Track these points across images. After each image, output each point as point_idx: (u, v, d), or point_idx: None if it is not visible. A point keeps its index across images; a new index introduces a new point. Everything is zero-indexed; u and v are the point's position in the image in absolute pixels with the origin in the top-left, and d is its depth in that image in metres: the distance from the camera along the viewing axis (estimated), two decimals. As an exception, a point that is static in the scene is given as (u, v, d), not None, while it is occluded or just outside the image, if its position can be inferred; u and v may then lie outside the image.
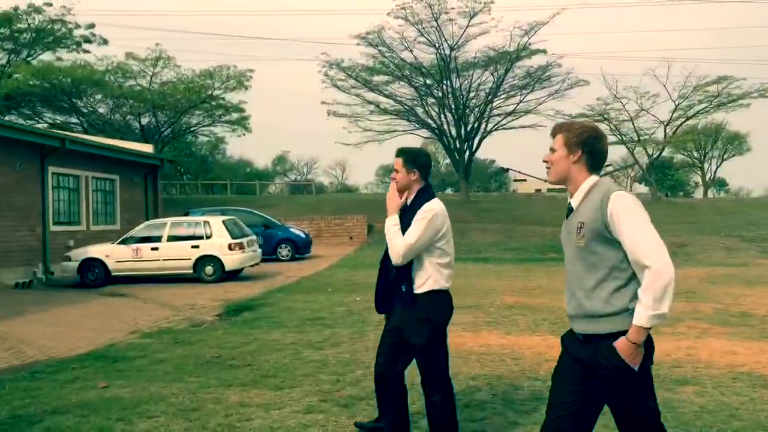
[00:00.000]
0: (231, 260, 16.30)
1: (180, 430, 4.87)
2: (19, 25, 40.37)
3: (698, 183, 69.15)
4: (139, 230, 17.10)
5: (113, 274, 16.31)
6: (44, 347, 8.22)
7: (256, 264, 17.59)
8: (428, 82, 37.76)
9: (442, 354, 4.17)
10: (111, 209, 22.78)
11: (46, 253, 18.05)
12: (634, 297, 2.84)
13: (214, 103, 40.64)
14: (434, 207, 4.11)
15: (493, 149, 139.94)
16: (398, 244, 4.07)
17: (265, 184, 65.72)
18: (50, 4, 39.61)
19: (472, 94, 38.30)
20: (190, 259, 16.26)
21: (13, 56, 42.43)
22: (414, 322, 4.09)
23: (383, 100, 39.68)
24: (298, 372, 6.57)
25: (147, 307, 12.03)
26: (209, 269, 16.25)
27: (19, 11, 39.93)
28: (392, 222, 4.17)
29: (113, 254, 16.41)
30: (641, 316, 2.77)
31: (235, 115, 42.39)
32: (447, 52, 36.43)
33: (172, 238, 16.52)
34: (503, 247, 25.93)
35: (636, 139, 41.44)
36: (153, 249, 16.38)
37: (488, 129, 39.43)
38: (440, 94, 38.13)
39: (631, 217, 2.84)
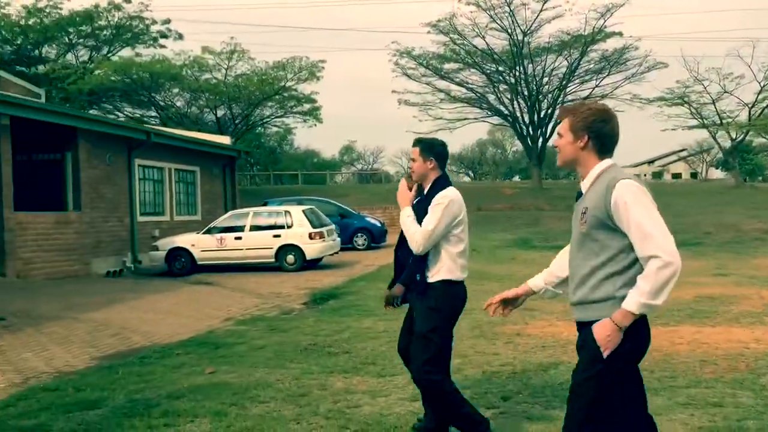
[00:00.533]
0: (312, 249, 16.53)
1: (292, 415, 4.96)
2: (99, 23, 41.82)
3: None
4: (222, 220, 17.53)
5: (198, 263, 16.77)
6: (147, 333, 8.52)
7: (336, 253, 17.79)
8: (500, 68, 37.30)
9: (442, 344, 4.11)
10: (192, 200, 23.40)
11: (134, 243, 18.71)
12: (624, 286, 2.74)
13: (286, 94, 41.19)
14: (449, 194, 4.11)
15: None
16: (416, 231, 4.06)
17: (333, 173, 66.34)
18: (129, 1, 40.85)
19: (545, 80, 37.68)
20: (271, 248, 16.57)
21: (93, 53, 44.05)
22: (424, 310, 4.10)
23: (454, 88, 39.52)
24: (396, 360, 6.59)
25: (235, 296, 12.33)
26: (290, 258, 16.53)
27: (100, 9, 41.37)
28: (406, 213, 4.15)
29: (199, 244, 16.87)
30: (632, 301, 2.67)
31: (306, 106, 42.92)
32: (520, 37, 35.92)
33: (255, 228, 16.87)
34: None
35: (718, 122, 40.00)
36: (236, 238, 16.77)
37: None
38: (512, 81, 37.64)
39: (637, 206, 2.71)
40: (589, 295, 2.84)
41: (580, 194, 2.98)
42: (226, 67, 39.65)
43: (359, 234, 23.15)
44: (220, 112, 42.15)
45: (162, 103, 41.23)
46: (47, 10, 41.17)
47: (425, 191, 4.24)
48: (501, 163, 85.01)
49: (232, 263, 16.74)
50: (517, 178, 70.71)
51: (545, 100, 38.50)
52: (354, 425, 4.67)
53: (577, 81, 38.19)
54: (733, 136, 41.02)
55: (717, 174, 71.68)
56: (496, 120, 40.62)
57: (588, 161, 2.91)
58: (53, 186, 16.65)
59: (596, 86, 38.11)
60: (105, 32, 42.67)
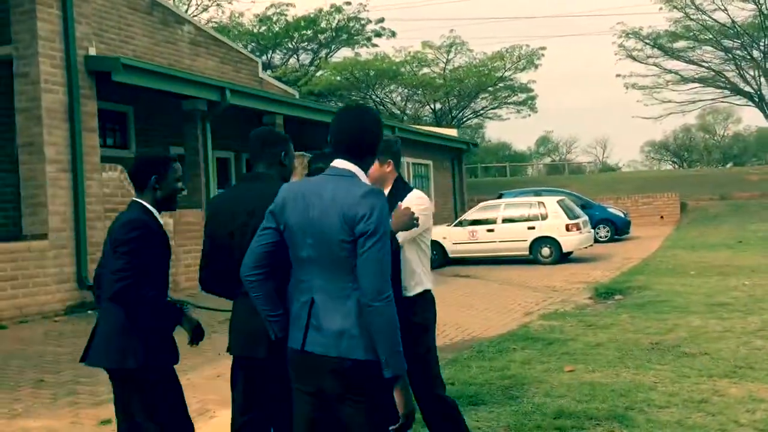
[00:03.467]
0: (569, 241, 15.84)
1: (714, 424, 4.42)
2: (321, 26, 43.86)
3: None
4: (472, 212, 17.36)
5: (450, 255, 16.72)
6: (460, 327, 8.39)
7: (590, 245, 16.95)
8: (743, 41, 33.97)
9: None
10: (426, 193, 23.41)
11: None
12: None
13: (502, 84, 40.62)
14: (424, 197, 3.77)
15: None
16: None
17: (576, 164, 64.61)
18: (349, 3, 42.41)
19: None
20: (526, 240, 16.09)
21: (315, 56, 46.32)
22: (412, 329, 3.43)
23: (685, 67, 36.59)
24: (774, 365, 5.84)
25: (512, 289, 12.01)
26: (546, 251, 15.95)
27: (323, 12, 43.38)
28: None
29: (450, 236, 16.81)
30: None
31: (522, 96, 42.07)
32: (769, 6, 32.46)
33: (507, 220, 16.49)
34: None
35: None
36: (489, 231, 16.50)
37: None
38: (759, 55, 34.09)
39: None
40: None
41: None
42: (445, 60, 39.83)
43: (602, 225, 22.02)
44: (437, 106, 42.48)
45: (378, 100, 42.36)
46: (274, 18, 43.91)
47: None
48: (727, 146, 78.00)
49: (484, 256, 16.51)
50: (730, 165, 64.29)
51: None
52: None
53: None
54: None
55: None
56: (738, 100, 37.07)
57: None
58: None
59: None
60: (325, 35, 44.61)
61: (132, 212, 3.18)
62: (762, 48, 34.01)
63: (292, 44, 45.86)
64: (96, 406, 5.37)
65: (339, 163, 2.59)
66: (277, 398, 2.95)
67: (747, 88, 35.85)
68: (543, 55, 38.65)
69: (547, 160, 78.79)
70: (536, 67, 39.01)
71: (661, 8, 34.29)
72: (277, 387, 2.94)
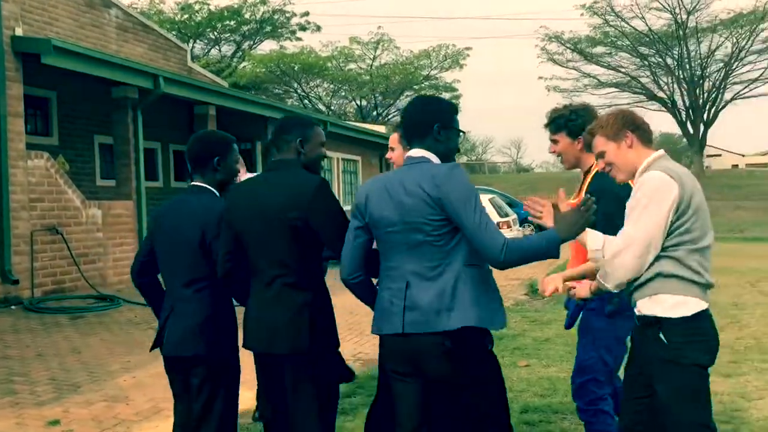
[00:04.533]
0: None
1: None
2: (246, 17, 43.02)
3: None
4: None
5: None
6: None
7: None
8: (659, 49, 35.45)
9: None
10: (355, 189, 23.54)
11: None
12: None
13: (426, 83, 40.99)
14: None
15: (733, 120, 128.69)
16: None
17: (492, 164, 65.62)
18: (275, -6, 41.73)
19: (708, 61, 35.46)
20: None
21: (238, 47, 45.41)
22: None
23: (602, 71, 37.92)
24: None
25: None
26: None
27: (247, 3, 42.55)
28: None
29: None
30: None
31: (447, 95, 42.56)
32: (684, 16, 33.92)
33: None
34: None
35: None
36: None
37: (726, 99, 36.41)
38: (672, 63, 35.67)
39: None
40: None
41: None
42: (372, 57, 39.84)
43: (526, 224, 22.50)
44: (362, 103, 42.47)
45: (304, 94, 41.98)
46: (196, 7, 42.79)
47: None
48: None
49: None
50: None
51: (708, 82, 36.22)
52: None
53: (744, 62, 35.66)
54: None
55: None
56: (652, 105, 38.66)
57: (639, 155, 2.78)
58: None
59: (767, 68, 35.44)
60: (248, 26, 43.81)
61: (207, 198, 3.10)
62: (675, 56, 35.59)
63: (214, 34, 44.83)
64: (39, 406, 5.04)
65: (414, 152, 2.70)
66: (302, 398, 2.79)
67: (660, 94, 37.43)
68: (468, 55, 39.32)
69: (464, 159, 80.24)
70: (461, 66, 39.56)
71: (582, 14, 35.25)
72: (308, 386, 2.78)
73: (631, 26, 35.03)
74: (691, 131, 36.59)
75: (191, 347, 2.95)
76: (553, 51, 37.59)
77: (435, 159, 2.67)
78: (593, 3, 34.26)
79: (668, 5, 33.88)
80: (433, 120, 2.70)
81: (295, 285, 2.77)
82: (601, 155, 2.85)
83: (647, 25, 34.75)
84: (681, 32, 34.39)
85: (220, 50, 46.11)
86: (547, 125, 3.46)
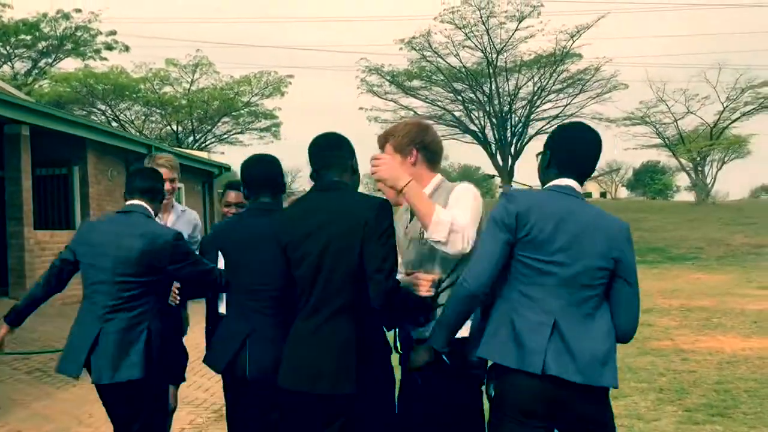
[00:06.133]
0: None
1: None
2: (45, 31, 39.63)
3: (680, 187, 69.05)
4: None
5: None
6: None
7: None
8: (471, 85, 37.56)
9: None
10: (178, 218, 22.17)
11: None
12: None
13: (246, 110, 40.07)
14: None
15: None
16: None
17: (302, 191, 65.06)
18: (79, 11, 38.92)
19: (514, 98, 38.11)
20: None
21: (34, 64, 41.67)
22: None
23: (420, 104, 39.49)
24: None
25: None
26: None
27: (48, 17, 39.22)
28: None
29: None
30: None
31: (266, 123, 41.86)
32: (494, 56, 36.16)
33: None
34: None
35: (678, 142, 41.40)
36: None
37: (531, 134, 39.27)
38: (483, 98, 37.91)
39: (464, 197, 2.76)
40: None
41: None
42: (189, 80, 38.25)
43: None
44: (178, 128, 40.59)
45: (113, 116, 39.35)
46: (-16, 19, 38.79)
47: None
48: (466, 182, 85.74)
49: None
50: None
51: (515, 118, 38.91)
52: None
53: (546, 100, 38.77)
54: (695, 156, 42.38)
55: (625, 193, 74.72)
56: (465, 138, 40.70)
57: (422, 177, 2.86)
58: (57, 202, 15.35)
59: (567, 104, 38.74)
60: (45, 42, 40.46)
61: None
62: (486, 92, 37.89)
63: (6, 49, 40.81)
64: None
65: (573, 183, 2.54)
66: None
67: (473, 127, 39.57)
68: (290, 83, 39.00)
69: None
70: (283, 94, 39.17)
71: (401, 48, 36.48)
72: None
73: (446, 62, 36.78)
74: (501, 163, 38.96)
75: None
76: (372, 83, 38.50)
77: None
78: (412, 39, 35.58)
79: (480, 44, 36.02)
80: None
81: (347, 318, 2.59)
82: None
83: (461, 62, 36.68)
84: (491, 70, 36.64)
85: (12, 67, 42.07)
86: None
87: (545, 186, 2.58)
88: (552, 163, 2.56)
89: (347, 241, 2.54)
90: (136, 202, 3.43)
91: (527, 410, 2.36)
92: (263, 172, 3.14)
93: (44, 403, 6.25)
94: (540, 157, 2.65)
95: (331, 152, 2.77)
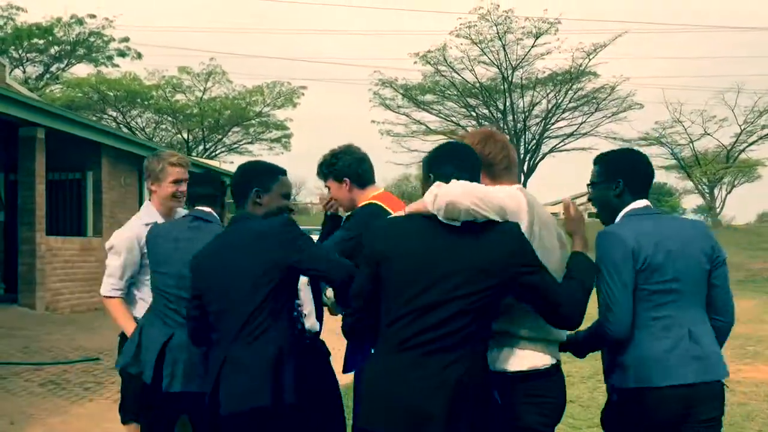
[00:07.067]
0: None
1: None
2: (58, 36, 39.52)
3: (686, 209, 68.72)
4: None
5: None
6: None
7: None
8: (485, 100, 37.31)
9: None
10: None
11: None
12: None
13: (257, 120, 39.87)
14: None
15: (550, 172, 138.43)
16: None
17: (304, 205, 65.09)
18: (94, 16, 38.83)
19: (528, 115, 37.84)
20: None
21: (46, 69, 41.55)
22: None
23: (433, 119, 39.21)
24: None
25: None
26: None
27: (62, 22, 39.11)
28: None
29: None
30: None
31: (277, 133, 41.63)
32: (509, 72, 35.93)
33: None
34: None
35: (694, 163, 41.06)
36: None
37: (544, 151, 38.97)
38: (497, 114, 37.64)
39: None
40: None
41: None
42: (202, 89, 38.09)
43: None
44: (189, 136, 40.40)
45: (125, 122, 39.18)
46: (0, 22, 38.74)
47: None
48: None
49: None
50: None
51: (529, 134, 38.61)
52: None
53: (561, 117, 38.51)
54: (710, 178, 42.03)
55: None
56: (478, 154, 40.31)
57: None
58: (69, 208, 15.04)
59: (582, 123, 38.44)
60: (58, 47, 40.37)
61: None
62: (500, 107, 37.62)
63: (18, 53, 40.71)
64: None
65: (648, 203, 2.75)
66: None
67: (486, 144, 39.26)
68: (303, 94, 38.79)
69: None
70: (295, 105, 38.99)
71: (415, 62, 36.27)
72: None
73: (461, 77, 36.56)
74: (515, 180, 38.55)
75: None
76: (385, 96, 38.27)
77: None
78: (427, 53, 35.39)
79: (496, 60, 35.80)
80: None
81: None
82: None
83: (476, 77, 36.45)
84: (506, 86, 36.40)
85: (24, 71, 41.97)
86: (317, 175, 3.44)
87: (625, 212, 2.70)
88: (626, 190, 2.72)
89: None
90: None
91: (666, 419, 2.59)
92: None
93: (60, 418, 5.89)
94: (604, 185, 2.75)
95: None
